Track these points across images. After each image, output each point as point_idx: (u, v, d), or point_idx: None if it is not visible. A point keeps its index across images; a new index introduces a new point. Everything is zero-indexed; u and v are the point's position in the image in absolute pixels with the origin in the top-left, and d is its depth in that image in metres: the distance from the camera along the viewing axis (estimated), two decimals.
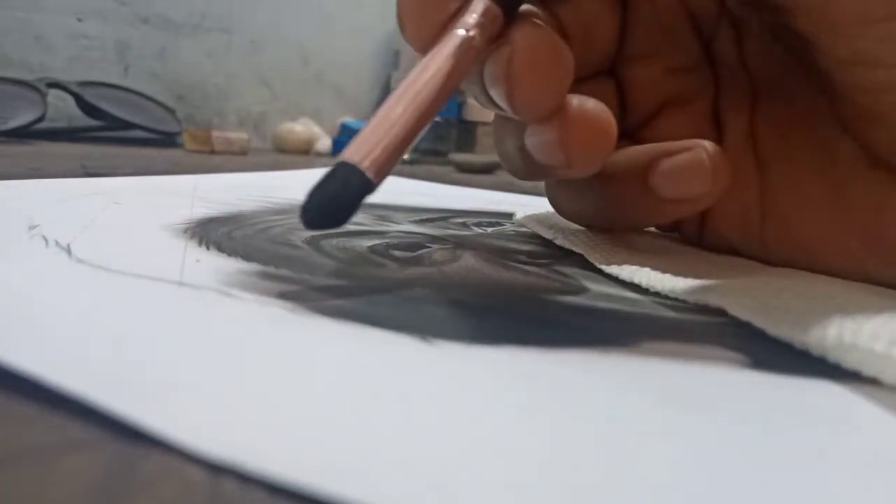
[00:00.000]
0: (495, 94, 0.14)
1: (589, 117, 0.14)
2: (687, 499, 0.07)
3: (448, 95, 0.14)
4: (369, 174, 0.12)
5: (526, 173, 0.17)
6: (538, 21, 0.14)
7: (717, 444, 0.08)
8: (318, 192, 0.13)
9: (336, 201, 0.13)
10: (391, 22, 0.95)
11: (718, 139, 0.18)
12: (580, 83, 0.18)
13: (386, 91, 0.93)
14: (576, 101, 0.14)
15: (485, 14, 0.14)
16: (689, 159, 0.16)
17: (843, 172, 0.16)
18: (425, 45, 0.14)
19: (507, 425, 0.08)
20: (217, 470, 0.07)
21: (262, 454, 0.07)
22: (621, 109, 0.19)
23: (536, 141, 0.15)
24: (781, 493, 0.07)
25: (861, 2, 0.13)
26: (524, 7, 0.15)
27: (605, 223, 0.20)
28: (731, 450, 0.08)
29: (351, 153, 0.13)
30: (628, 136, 0.19)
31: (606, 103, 0.19)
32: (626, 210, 0.18)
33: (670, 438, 0.08)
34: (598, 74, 0.19)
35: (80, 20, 0.66)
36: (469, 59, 0.14)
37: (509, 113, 0.15)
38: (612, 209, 0.19)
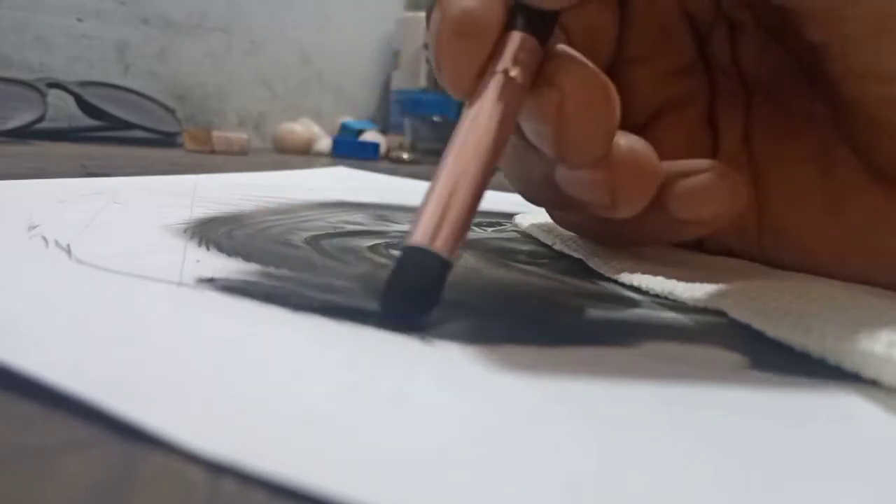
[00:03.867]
0: (537, 136, 0.14)
1: (639, 160, 0.14)
2: (686, 499, 0.07)
3: (505, 144, 0.13)
4: (444, 254, 0.11)
5: (550, 203, 0.17)
6: (581, 58, 0.13)
7: (716, 444, 0.08)
8: (396, 285, 0.12)
9: (416, 293, 0.12)
10: (391, 22, 0.95)
11: (714, 143, 0.18)
12: None
13: (386, 91, 0.93)
14: (624, 141, 0.14)
15: (522, 48, 0.13)
16: (706, 181, 0.15)
17: (841, 181, 0.16)
18: (465, 89, 0.13)
19: (506, 425, 0.08)
20: (217, 470, 0.07)
21: (261, 454, 0.07)
22: (623, 113, 0.19)
23: (575, 178, 0.14)
24: (780, 493, 0.07)
25: (880, 15, 0.13)
26: (559, 44, 0.14)
27: (610, 240, 0.19)
28: (731, 450, 0.08)
29: (419, 235, 0.11)
30: None
31: None
32: (637, 229, 0.18)
33: (669, 439, 0.08)
34: None
35: (80, 20, 0.66)
36: (517, 101, 0.13)
37: (549, 155, 0.14)
38: (621, 227, 0.18)
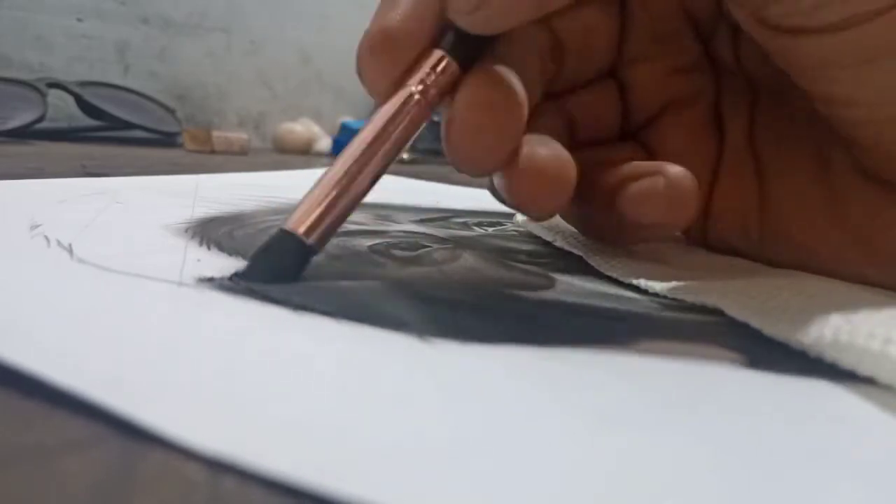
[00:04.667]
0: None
1: (539, 167, 0.14)
2: (683, 498, 0.07)
3: (397, 153, 0.14)
4: (311, 241, 0.13)
5: (503, 202, 0.17)
6: (489, 75, 0.14)
7: (712, 443, 0.08)
8: (260, 260, 0.14)
9: (278, 270, 0.14)
10: None
11: (720, 141, 0.18)
12: (582, 88, 0.18)
13: None
14: (526, 149, 0.14)
15: (436, 66, 0.14)
16: (648, 186, 0.15)
17: (838, 180, 0.16)
18: (382, 97, 0.14)
19: (505, 424, 0.08)
20: (217, 470, 0.07)
21: (261, 453, 0.07)
22: (624, 110, 0.19)
23: (497, 182, 0.15)
24: (777, 492, 0.07)
25: (825, 50, 0.13)
26: (485, 56, 0.14)
27: (596, 237, 0.19)
28: (727, 449, 0.08)
29: (293, 221, 0.13)
30: (631, 136, 0.19)
31: (608, 105, 0.19)
32: (603, 230, 0.18)
33: (667, 438, 0.08)
34: (600, 76, 0.19)
35: (80, 20, 0.66)
36: (414, 116, 0.14)
37: None
38: (597, 227, 0.18)
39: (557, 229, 0.21)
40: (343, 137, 0.71)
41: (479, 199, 0.34)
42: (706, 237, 0.19)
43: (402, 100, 0.14)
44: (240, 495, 0.06)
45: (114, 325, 0.11)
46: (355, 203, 0.14)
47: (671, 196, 0.15)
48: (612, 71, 0.19)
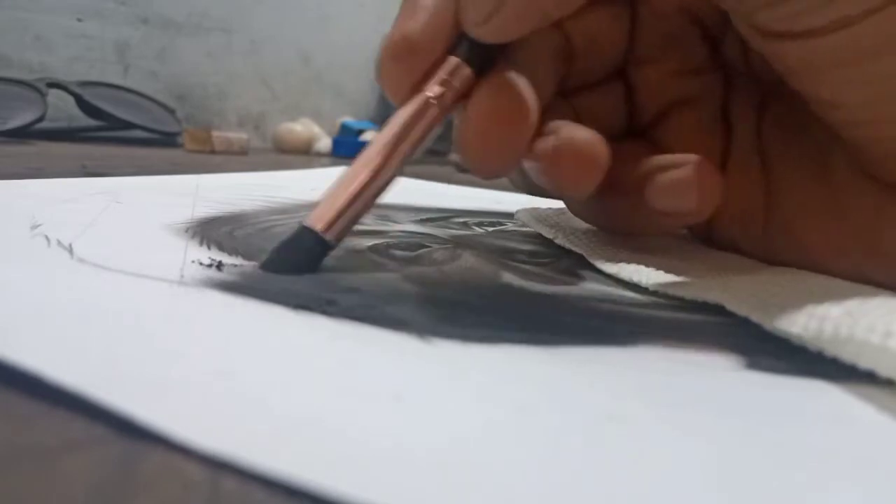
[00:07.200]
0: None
1: (576, 147, 0.15)
2: (682, 497, 0.07)
3: (407, 154, 0.15)
4: (328, 237, 0.14)
5: (526, 188, 0.18)
6: (500, 83, 0.14)
7: (712, 443, 0.08)
8: (281, 254, 0.15)
9: (296, 264, 0.15)
10: (391, 22, 0.95)
11: (727, 139, 0.18)
12: (589, 87, 0.19)
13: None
14: (564, 131, 0.15)
15: (452, 72, 0.14)
16: (679, 176, 0.16)
17: (840, 179, 0.16)
18: (401, 101, 0.15)
19: (504, 424, 0.08)
20: (217, 470, 0.07)
21: (261, 452, 0.07)
22: (630, 109, 0.19)
23: (529, 165, 0.16)
24: (777, 492, 0.07)
25: (809, 54, 0.13)
26: (498, 61, 0.15)
27: (610, 228, 0.20)
28: (727, 449, 0.08)
29: (313, 217, 0.14)
30: (638, 134, 0.19)
31: (615, 105, 0.19)
32: (626, 219, 0.19)
33: (666, 438, 0.08)
34: (608, 77, 0.19)
35: (80, 20, 0.66)
36: (428, 121, 0.15)
37: None
38: (614, 215, 0.19)
39: (558, 226, 0.21)
40: (343, 137, 0.71)
41: (479, 198, 0.34)
42: (711, 234, 0.19)
43: (419, 104, 0.14)
44: (240, 495, 0.06)
45: (114, 324, 0.11)
46: (372, 202, 0.15)
47: (702, 185, 0.16)
48: (619, 72, 0.19)
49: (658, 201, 0.16)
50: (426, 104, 0.14)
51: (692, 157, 0.16)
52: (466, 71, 0.14)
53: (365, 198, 0.15)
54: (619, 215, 0.18)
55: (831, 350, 0.11)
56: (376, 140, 0.15)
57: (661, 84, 0.19)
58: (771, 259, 0.17)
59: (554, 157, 0.15)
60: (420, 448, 0.07)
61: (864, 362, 0.10)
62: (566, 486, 0.07)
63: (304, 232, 0.14)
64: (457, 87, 0.14)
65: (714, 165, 0.16)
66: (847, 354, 0.11)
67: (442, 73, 0.14)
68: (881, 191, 0.15)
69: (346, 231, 0.15)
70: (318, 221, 0.14)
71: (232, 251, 0.16)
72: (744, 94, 0.18)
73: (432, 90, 0.14)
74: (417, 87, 0.15)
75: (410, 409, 0.08)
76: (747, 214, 0.18)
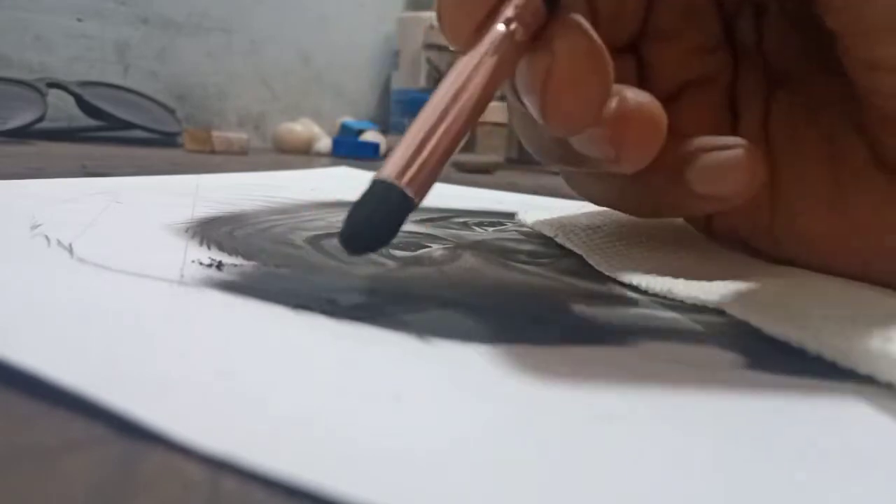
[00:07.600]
0: (528, 102, 0.14)
1: (645, 113, 0.14)
2: (682, 497, 0.07)
3: (490, 98, 0.13)
4: (409, 192, 0.12)
5: (561, 160, 0.17)
6: (581, 24, 0.13)
7: (711, 443, 0.08)
8: (356, 214, 0.12)
9: (375, 225, 0.12)
10: (391, 22, 0.95)
11: (734, 124, 0.18)
12: None
13: (386, 91, 0.93)
14: (631, 94, 0.14)
15: (525, 6, 0.13)
16: (728, 157, 0.15)
17: (849, 170, 0.16)
18: (464, 43, 0.13)
19: (504, 424, 0.08)
20: (217, 470, 0.07)
21: (261, 452, 0.07)
22: (640, 87, 0.19)
23: (591, 134, 0.14)
24: (777, 492, 0.07)
25: (870, 8, 0.13)
26: (570, 13, 0.14)
27: (628, 208, 0.19)
28: (727, 449, 0.08)
29: (388, 170, 0.12)
30: None
31: (627, 81, 0.18)
32: (655, 199, 0.17)
33: (666, 438, 0.08)
34: (620, 52, 0.18)
35: (80, 20, 0.66)
36: (511, 57, 0.13)
37: (539, 122, 0.14)
38: (640, 196, 0.18)
39: (559, 225, 0.21)
40: (343, 137, 0.71)
41: (479, 198, 0.34)
42: (711, 225, 0.19)
43: (496, 38, 0.13)
44: (240, 495, 0.06)
45: (114, 324, 0.11)
46: (452, 151, 0.12)
47: (753, 167, 0.15)
48: (631, 48, 0.19)
49: (700, 182, 0.15)
50: (506, 39, 0.13)
51: (740, 140, 0.15)
52: (538, 4, 0.13)
53: (449, 144, 0.12)
54: (646, 195, 0.17)
55: (830, 355, 0.11)
56: (454, 78, 0.13)
57: (675, 62, 0.18)
58: (775, 251, 0.17)
59: (620, 121, 0.14)
60: (420, 448, 0.07)
61: (863, 368, 0.10)
62: (566, 486, 0.07)
63: (381, 188, 0.12)
64: (529, 22, 0.13)
65: (760, 151, 0.15)
66: (846, 360, 0.11)
67: (513, 5, 0.13)
68: (889, 183, 0.15)
69: (429, 185, 0.12)
70: (396, 173, 0.12)
71: (232, 251, 0.16)
72: (751, 79, 0.18)
73: (510, 24, 0.13)
74: (483, 26, 0.13)
75: (410, 409, 0.08)
76: (753, 205, 0.17)
